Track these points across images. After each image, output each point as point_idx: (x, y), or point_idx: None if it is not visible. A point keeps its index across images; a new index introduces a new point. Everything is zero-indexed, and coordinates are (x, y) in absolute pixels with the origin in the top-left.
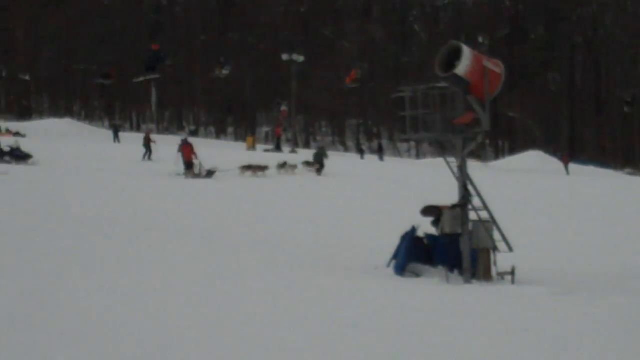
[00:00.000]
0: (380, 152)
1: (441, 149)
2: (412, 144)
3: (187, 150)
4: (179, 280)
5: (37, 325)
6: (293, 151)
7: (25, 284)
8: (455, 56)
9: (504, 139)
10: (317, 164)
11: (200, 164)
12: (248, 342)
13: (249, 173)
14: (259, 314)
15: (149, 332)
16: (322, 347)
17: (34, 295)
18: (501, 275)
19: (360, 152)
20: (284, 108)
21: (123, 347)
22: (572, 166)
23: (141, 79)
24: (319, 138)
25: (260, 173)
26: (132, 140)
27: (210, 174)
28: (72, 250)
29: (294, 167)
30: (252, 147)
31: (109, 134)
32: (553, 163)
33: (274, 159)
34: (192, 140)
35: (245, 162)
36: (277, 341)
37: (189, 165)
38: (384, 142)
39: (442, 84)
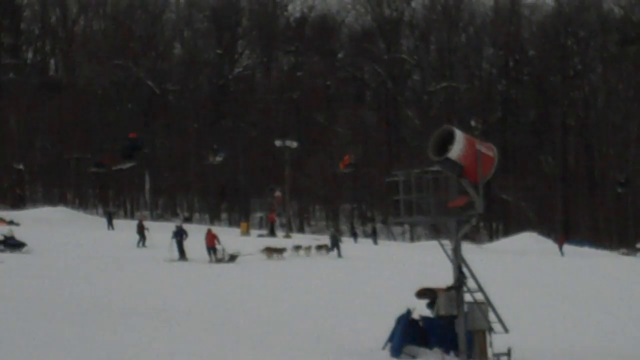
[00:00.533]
0: (374, 235)
1: (435, 232)
2: (406, 227)
3: (210, 237)
4: None
5: None
6: (287, 236)
7: None
8: (448, 140)
9: (498, 221)
10: (333, 246)
11: (224, 249)
12: None
13: (269, 255)
14: None
15: None
16: None
17: None
18: (497, 356)
19: (354, 235)
20: (277, 193)
21: None
22: (567, 247)
23: (119, 167)
24: (312, 223)
25: (278, 255)
26: (126, 227)
27: (232, 258)
28: (70, 342)
29: (309, 249)
30: (246, 233)
31: (103, 221)
32: (547, 244)
33: (288, 243)
34: (186, 226)
35: (266, 245)
36: None
37: (212, 251)
38: (378, 225)
39: (435, 168)
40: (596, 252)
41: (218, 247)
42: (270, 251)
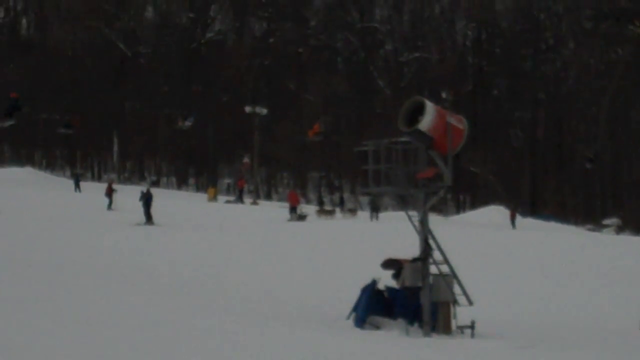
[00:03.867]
0: (341, 204)
1: (403, 203)
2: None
3: (294, 198)
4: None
5: None
6: (254, 203)
7: None
8: (418, 111)
9: (466, 194)
10: (373, 210)
11: (301, 209)
12: None
13: (322, 216)
14: None
15: None
16: None
17: None
18: (461, 328)
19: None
20: (246, 160)
21: None
22: (531, 221)
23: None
24: (280, 190)
25: (329, 217)
26: (93, 189)
27: (302, 217)
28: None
29: (355, 211)
30: (213, 198)
31: (70, 183)
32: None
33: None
34: (154, 190)
35: (319, 208)
36: None
37: (293, 210)
38: (346, 195)
39: (405, 139)
40: (561, 227)
41: (298, 207)
42: (322, 212)
